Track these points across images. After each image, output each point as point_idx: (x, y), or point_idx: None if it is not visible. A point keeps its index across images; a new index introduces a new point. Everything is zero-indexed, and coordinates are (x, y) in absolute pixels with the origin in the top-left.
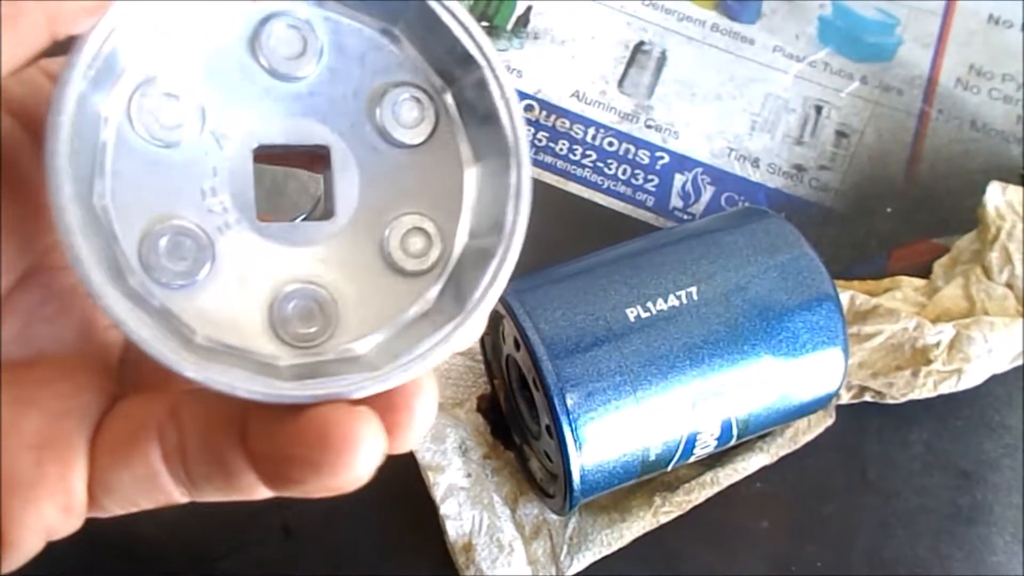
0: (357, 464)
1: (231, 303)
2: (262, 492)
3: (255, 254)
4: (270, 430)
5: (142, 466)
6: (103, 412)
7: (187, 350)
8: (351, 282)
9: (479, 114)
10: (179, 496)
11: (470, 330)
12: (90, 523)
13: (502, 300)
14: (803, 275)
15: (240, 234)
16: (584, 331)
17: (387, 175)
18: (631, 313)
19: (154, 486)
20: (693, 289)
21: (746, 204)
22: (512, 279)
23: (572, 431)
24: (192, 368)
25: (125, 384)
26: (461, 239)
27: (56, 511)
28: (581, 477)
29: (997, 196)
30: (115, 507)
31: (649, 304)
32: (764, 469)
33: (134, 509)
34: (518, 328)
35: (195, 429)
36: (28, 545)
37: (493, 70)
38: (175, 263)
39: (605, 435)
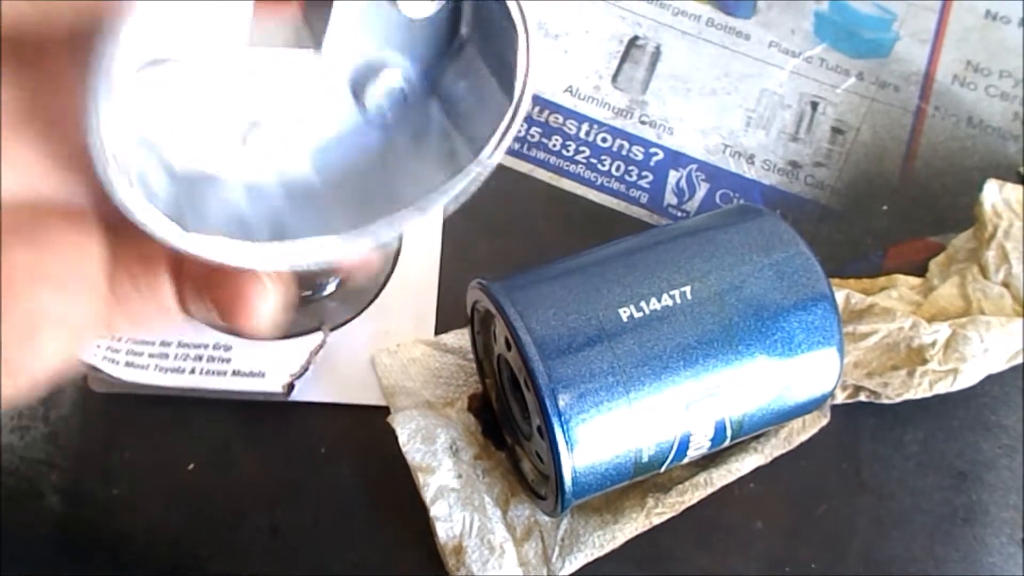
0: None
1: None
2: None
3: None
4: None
5: (156, 295)
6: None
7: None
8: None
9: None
10: (179, 318)
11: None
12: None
13: (492, 300)
14: (799, 274)
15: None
16: (576, 331)
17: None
18: (624, 313)
19: (163, 311)
20: (687, 288)
21: (741, 201)
22: (502, 277)
23: (563, 432)
24: (146, 219)
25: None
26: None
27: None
28: (573, 479)
29: (994, 194)
30: (124, 329)
31: (642, 303)
32: (758, 469)
33: (140, 332)
34: (509, 328)
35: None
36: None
37: None
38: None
39: (597, 436)
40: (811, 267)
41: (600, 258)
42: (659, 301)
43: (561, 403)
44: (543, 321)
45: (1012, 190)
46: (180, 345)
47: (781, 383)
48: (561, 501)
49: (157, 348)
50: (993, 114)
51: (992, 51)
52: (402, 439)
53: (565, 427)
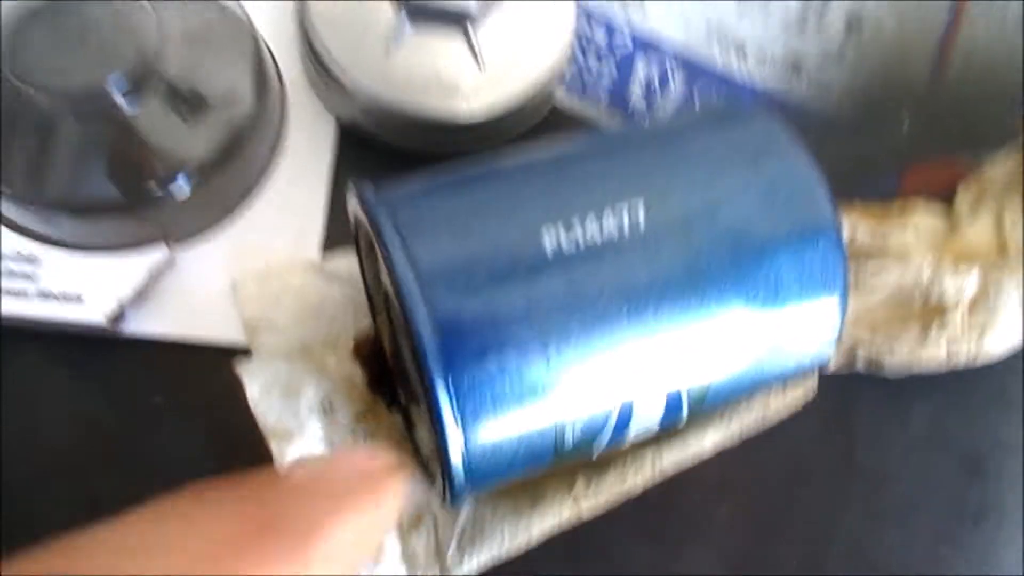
0: None
1: None
2: None
3: None
4: None
5: None
6: None
7: None
8: None
9: None
10: None
11: None
12: None
13: (369, 215)
14: (796, 196)
15: None
16: (478, 262)
17: None
18: (548, 241)
19: None
20: (640, 212)
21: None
22: (385, 187)
23: (452, 401)
24: None
25: None
26: None
27: None
28: (465, 465)
29: None
30: None
31: (576, 230)
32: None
33: None
34: (384, 256)
35: None
36: None
37: None
38: None
39: (502, 408)
40: (812, 187)
41: (522, 164)
42: (600, 228)
43: (450, 361)
44: (434, 248)
45: None
46: None
47: (762, 343)
48: (450, 492)
49: None
50: None
51: None
52: (252, 393)
53: (455, 394)
